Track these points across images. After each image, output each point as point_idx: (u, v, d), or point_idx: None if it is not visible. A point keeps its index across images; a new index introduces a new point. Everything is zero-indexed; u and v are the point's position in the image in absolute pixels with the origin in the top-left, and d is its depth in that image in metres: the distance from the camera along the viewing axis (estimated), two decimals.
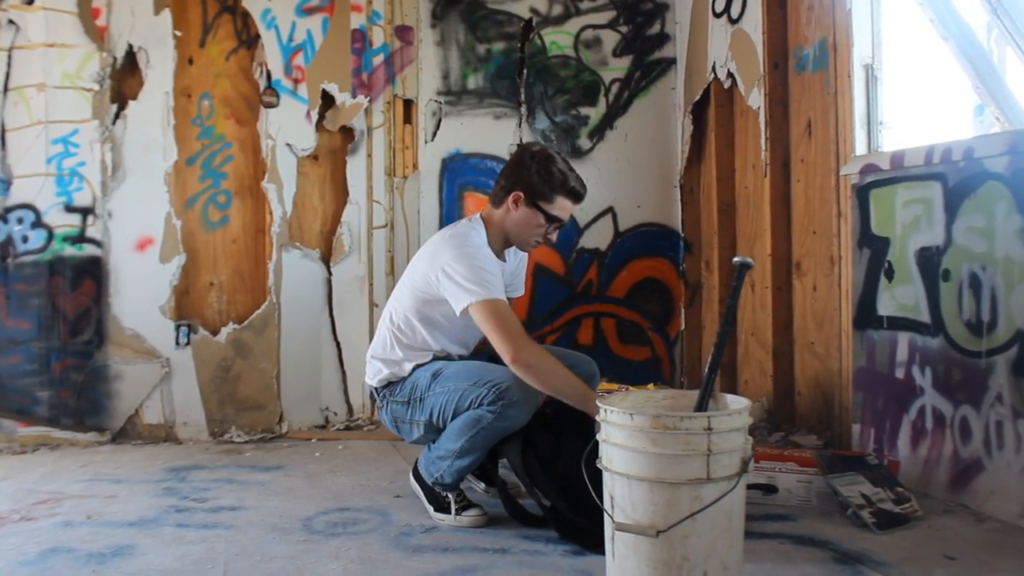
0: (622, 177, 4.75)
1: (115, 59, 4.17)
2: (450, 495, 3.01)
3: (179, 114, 4.25)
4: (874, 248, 3.48)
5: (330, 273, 4.43)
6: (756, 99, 4.20)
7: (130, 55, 4.20)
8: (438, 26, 4.57)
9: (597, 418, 2.32)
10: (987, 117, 3.71)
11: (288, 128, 4.35)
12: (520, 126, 4.64)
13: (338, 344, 4.43)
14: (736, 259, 2.56)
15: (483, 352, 3.13)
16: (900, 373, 3.36)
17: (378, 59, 4.47)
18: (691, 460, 2.15)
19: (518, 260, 3.25)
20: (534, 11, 4.65)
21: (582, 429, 2.64)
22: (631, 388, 3.63)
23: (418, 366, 3.06)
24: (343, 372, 4.44)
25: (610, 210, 4.73)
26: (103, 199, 4.15)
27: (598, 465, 2.31)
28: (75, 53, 4.10)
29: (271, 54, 4.33)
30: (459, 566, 2.58)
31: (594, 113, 4.74)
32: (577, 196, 3.04)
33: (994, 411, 2.95)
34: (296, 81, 4.36)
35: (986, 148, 3.02)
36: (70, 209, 4.12)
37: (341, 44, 4.41)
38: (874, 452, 3.40)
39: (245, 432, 4.26)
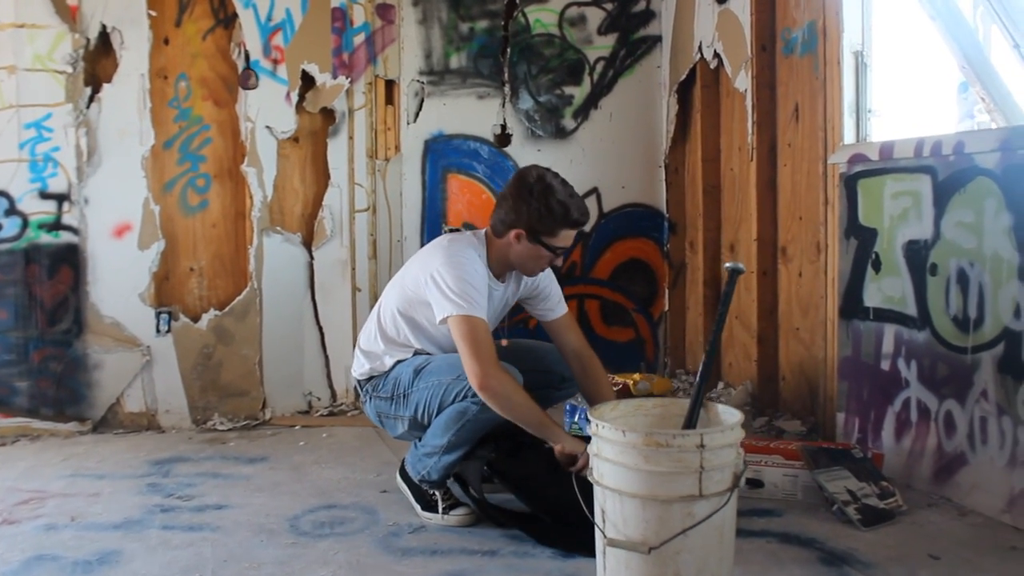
0: (607, 157, 4.71)
1: (88, 40, 4.04)
2: (437, 493, 3.01)
3: (155, 96, 4.15)
4: (861, 238, 3.47)
5: (312, 257, 4.37)
6: (743, 82, 4.16)
7: (103, 36, 4.07)
8: (420, 4, 4.47)
9: (589, 430, 2.31)
10: (971, 95, 3.70)
11: (267, 110, 4.26)
12: (504, 106, 4.57)
13: (320, 329, 4.39)
14: (728, 264, 2.54)
15: None
16: (886, 365, 3.37)
17: (359, 38, 4.37)
18: (683, 477, 2.14)
19: (534, 284, 3.15)
20: None
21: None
22: (616, 377, 3.65)
23: (399, 361, 3.04)
24: (326, 357, 4.40)
25: (594, 191, 4.69)
26: (79, 185, 4.05)
27: (588, 478, 2.31)
28: (46, 34, 3.97)
29: (249, 34, 4.22)
30: (448, 570, 2.58)
31: (578, 92, 4.68)
32: (579, 225, 2.96)
33: (979, 407, 2.97)
34: (275, 62, 4.26)
35: (977, 144, 3.00)
36: (45, 196, 4.02)
37: (321, 23, 4.30)
38: (858, 443, 3.42)
39: (228, 419, 4.22)
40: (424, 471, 3.00)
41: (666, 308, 4.86)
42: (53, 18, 3.98)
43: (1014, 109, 3.28)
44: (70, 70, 4.01)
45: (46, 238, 4.03)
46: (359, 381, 3.15)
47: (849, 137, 3.58)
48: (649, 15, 4.73)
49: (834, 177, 3.62)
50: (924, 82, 3.71)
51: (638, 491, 2.16)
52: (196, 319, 4.24)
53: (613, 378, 3.63)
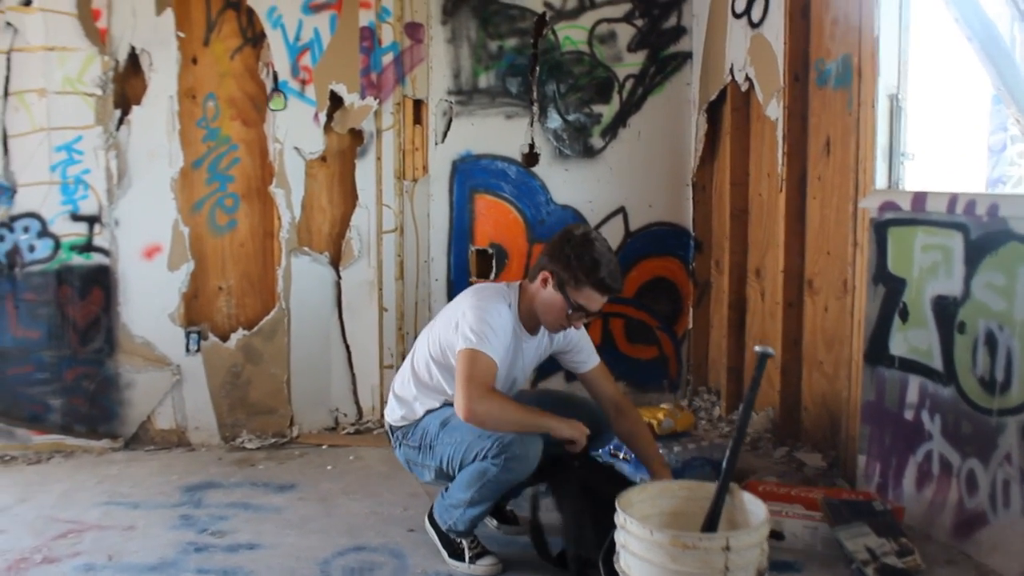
0: (634, 176, 4.69)
1: (117, 62, 4.04)
2: (464, 541, 3.08)
3: (184, 116, 4.16)
4: (889, 286, 3.46)
5: (339, 277, 4.41)
6: (775, 110, 4.12)
7: (133, 58, 4.07)
8: (449, 22, 4.42)
9: (616, 520, 2.36)
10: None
11: (295, 131, 4.26)
12: (532, 125, 4.55)
13: (348, 347, 4.45)
14: (757, 348, 2.56)
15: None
16: (909, 415, 3.38)
17: (387, 58, 4.34)
18: None
19: (567, 337, 3.17)
20: (548, 5, 4.50)
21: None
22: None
23: (429, 411, 3.11)
24: (353, 375, 4.47)
25: (621, 210, 4.69)
26: (109, 207, 4.09)
27: (616, 567, 2.37)
28: (76, 57, 3.98)
29: (277, 54, 4.21)
30: None
31: (607, 111, 4.64)
32: (606, 289, 2.93)
33: (1002, 470, 2.99)
34: (303, 82, 4.25)
35: (1012, 208, 2.98)
36: (76, 218, 4.07)
37: (349, 43, 4.28)
38: (879, 488, 3.46)
39: (256, 436, 4.30)
40: (451, 521, 3.07)
41: (690, 326, 4.87)
42: (83, 41, 3.98)
43: None
44: (100, 92, 4.02)
45: (78, 259, 4.09)
46: (391, 426, 3.22)
47: (881, 182, 3.55)
48: (680, 31, 4.67)
49: (864, 220, 3.60)
50: (959, 126, 3.66)
51: None
52: (225, 338, 4.30)
53: None
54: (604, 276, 2.90)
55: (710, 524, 2.41)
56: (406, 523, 3.41)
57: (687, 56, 4.70)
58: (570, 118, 4.60)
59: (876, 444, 3.54)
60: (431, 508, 3.21)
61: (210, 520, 3.43)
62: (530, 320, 3.05)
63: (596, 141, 4.64)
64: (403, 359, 4.33)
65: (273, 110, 4.23)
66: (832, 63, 3.83)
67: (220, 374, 4.29)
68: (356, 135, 4.37)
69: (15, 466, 4.00)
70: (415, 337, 4.35)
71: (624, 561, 2.31)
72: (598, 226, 4.66)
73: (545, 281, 2.93)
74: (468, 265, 4.58)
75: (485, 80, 4.49)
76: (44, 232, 4.03)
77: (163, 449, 4.23)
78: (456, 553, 3.07)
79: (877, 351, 3.52)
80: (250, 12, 4.18)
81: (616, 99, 4.64)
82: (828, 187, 3.90)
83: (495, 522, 3.38)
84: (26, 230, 4.01)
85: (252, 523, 3.41)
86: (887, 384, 3.48)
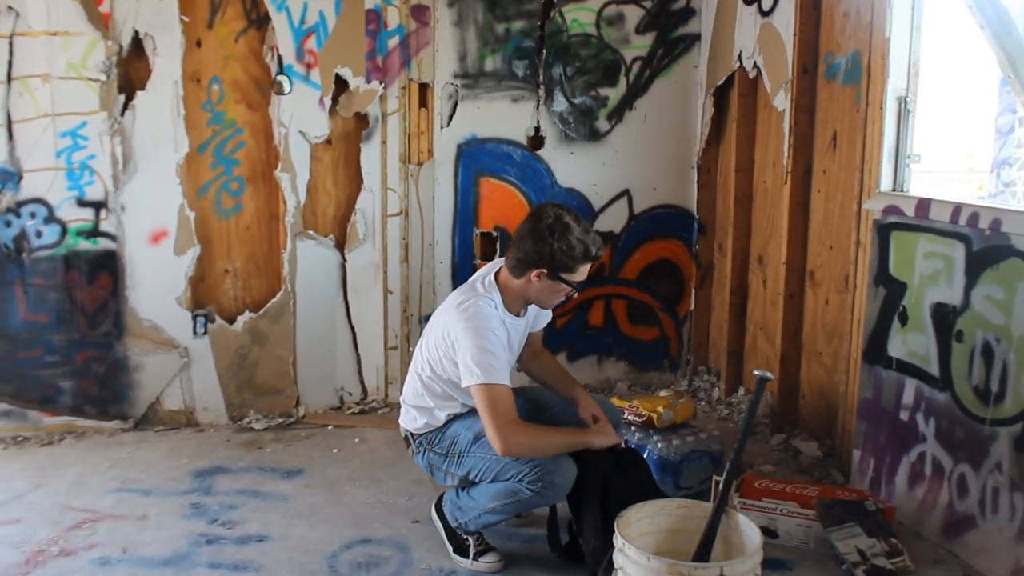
0: (639, 159, 4.68)
1: (121, 47, 4.00)
2: (470, 538, 3.17)
3: (189, 100, 4.13)
4: (890, 289, 3.50)
5: (344, 260, 4.43)
6: (782, 102, 4.10)
7: (136, 42, 4.02)
8: (455, 5, 4.37)
9: (615, 543, 2.44)
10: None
11: (301, 115, 4.24)
12: (538, 109, 4.52)
13: (353, 328, 4.49)
14: (756, 372, 2.62)
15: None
16: (904, 416, 3.45)
17: (393, 41, 4.29)
18: None
19: (543, 313, 3.30)
20: None
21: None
22: (640, 407, 3.74)
23: (454, 416, 3.17)
24: (358, 356, 4.53)
25: (626, 192, 4.69)
26: (115, 193, 4.09)
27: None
28: (79, 41, 3.94)
29: (282, 37, 4.16)
30: None
31: (613, 93, 4.62)
32: (597, 260, 3.05)
33: (992, 477, 3.07)
34: (308, 66, 4.21)
35: (1015, 224, 2.99)
36: (82, 203, 4.07)
37: (355, 26, 4.23)
38: (872, 483, 3.55)
39: (263, 416, 4.38)
40: (463, 520, 3.17)
41: (692, 307, 4.92)
42: (86, 25, 3.94)
43: None
44: (104, 78, 3.99)
45: (85, 245, 4.11)
46: (411, 433, 3.27)
47: (886, 184, 3.55)
48: (689, 13, 4.61)
49: (867, 221, 3.61)
50: (967, 126, 3.65)
51: None
52: (231, 321, 4.34)
53: (637, 408, 3.73)
54: (592, 251, 2.99)
55: (704, 551, 2.49)
56: (410, 513, 3.52)
57: (695, 38, 4.65)
58: (576, 101, 4.57)
59: (871, 440, 3.62)
60: (439, 499, 3.31)
61: (220, 509, 3.53)
62: (514, 306, 3.11)
63: (602, 124, 4.62)
64: (407, 341, 4.47)
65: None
66: (842, 57, 3.80)
67: (227, 356, 4.35)
68: (361, 118, 4.35)
69: (28, 448, 4.09)
70: (420, 320, 4.46)
71: None
72: (603, 208, 4.69)
73: (539, 276, 2.98)
74: (473, 248, 4.59)
75: (491, 63, 4.45)
76: (51, 218, 4.04)
77: (172, 429, 4.31)
78: (461, 548, 3.17)
79: (875, 351, 3.57)
80: None
81: (623, 82, 4.61)
82: (833, 182, 3.90)
83: None
84: (33, 216, 4.03)
85: (261, 512, 3.52)
86: (884, 384, 3.54)
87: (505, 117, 4.50)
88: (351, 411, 4.52)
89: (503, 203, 4.57)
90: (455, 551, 3.18)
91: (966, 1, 3.36)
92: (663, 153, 4.73)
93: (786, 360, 4.21)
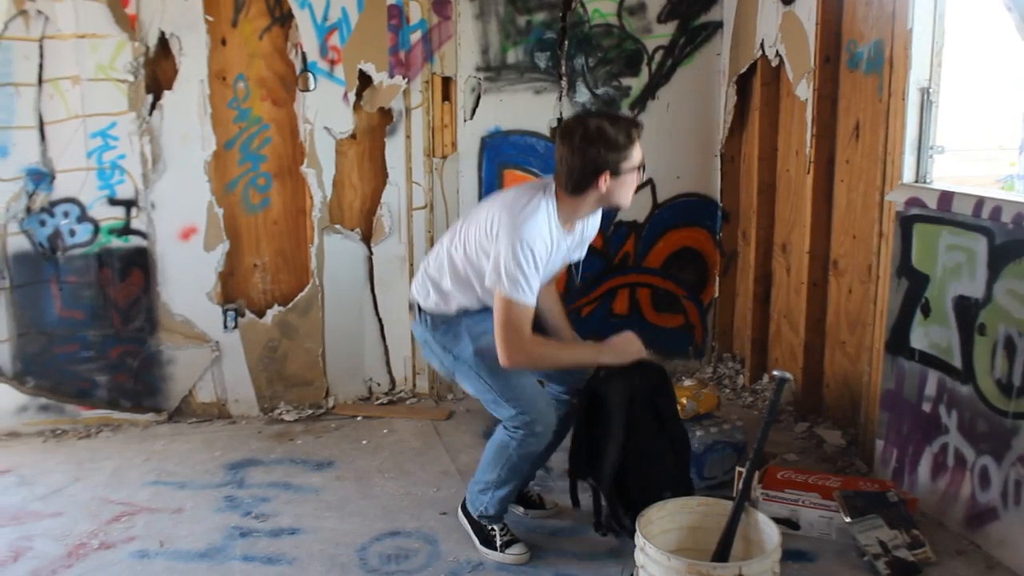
0: (662, 148, 4.67)
1: (148, 48, 4.05)
2: (495, 528, 3.24)
3: (215, 98, 4.18)
4: (913, 280, 3.50)
5: (371, 252, 4.49)
6: (804, 91, 4.09)
7: (163, 42, 4.07)
8: None
9: (636, 542, 2.49)
10: None
11: (325, 111, 4.28)
12: (560, 100, 4.53)
13: (380, 320, 4.56)
14: (775, 372, 2.65)
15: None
16: (927, 407, 3.46)
17: (416, 36, 4.32)
18: None
19: (590, 227, 3.23)
20: None
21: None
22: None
23: (464, 311, 3.15)
24: (385, 347, 4.59)
25: (649, 182, 4.69)
26: (145, 191, 4.17)
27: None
28: (107, 43, 4.00)
29: (306, 34, 4.19)
30: None
31: (636, 83, 4.61)
32: (639, 135, 2.99)
33: (1015, 470, 3.08)
34: (332, 62, 4.24)
35: None
36: (113, 202, 4.15)
37: (377, 21, 4.25)
38: (895, 473, 3.58)
39: (294, 408, 4.47)
40: (481, 507, 3.25)
41: (716, 295, 4.93)
42: (113, 28, 3.99)
43: None
44: (132, 78, 4.05)
45: (117, 242, 4.19)
46: (419, 305, 3.24)
47: (909, 175, 3.54)
48: (710, 0, 4.59)
49: (890, 212, 3.61)
50: (990, 117, 3.63)
51: None
52: (261, 314, 4.42)
53: None
54: (632, 133, 2.95)
55: (724, 549, 2.54)
56: (439, 505, 3.59)
57: (718, 25, 4.63)
58: (599, 92, 4.58)
59: (894, 431, 3.64)
60: (463, 500, 3.38)
61: (253, 502, 3.63)
62: (569, 221, 3.05)
63: (625, 114, 4.61)
64: None
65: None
66: (864, 47, 3.78)
67: (257, 349, 4.43)
68: (385, 113, 4.38)
69: (67, 440, 4.20)
70: None
71: None
72: None
73: (605, 180, 2.93)
74: None
75: (513, 55, 4.46)
76: (83, 216, 4.13)
77: (205, 421, 4.41)
78: (487, 540, 3.24)
79: (898, 342, 3.58)
80: None
81: (645, 71, 4.60)
82: (856, 171, 3.90)
83: (521, 509, 3.54)
84: (66, 215, 4.11)
85: (293, 505, 3.60)
86: (907, 375, 3.55)
87: (528, 109, 4.51)
88: (379, 401, 4.60)
89: None
90: (482, 543, 3.25)
91: None
92: (686, 142, 4.73)
93: (810, 348, 4.23)
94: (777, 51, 4.26)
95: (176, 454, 4.07)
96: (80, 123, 4.05)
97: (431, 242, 4.50)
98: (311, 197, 4.36)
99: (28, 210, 4.09)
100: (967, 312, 3.25)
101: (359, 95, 4.34)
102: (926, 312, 3.44)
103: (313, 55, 4.23)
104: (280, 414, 4.45)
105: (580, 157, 2.91)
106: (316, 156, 4.32)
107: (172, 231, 4.25)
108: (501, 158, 4.55)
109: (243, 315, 4.40)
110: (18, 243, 4.12)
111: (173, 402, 4.39)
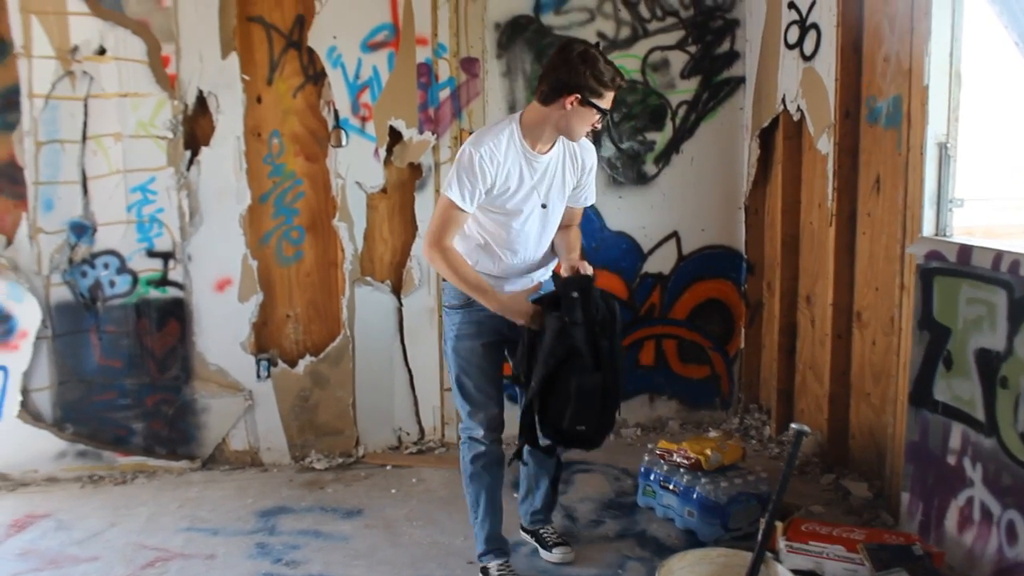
0: (686, 201, 4.76)
1: (186, 106, 4.23)
2: (490, 566, 3.39)
3: (250, 154, 4.34)
4: (934, 333, 3.52)
5: (400, 304, 4.59)
6: (825, 145, 4.15)
7: (200, 100, 4.25)
8: (504, 56, 4.51)
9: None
10: None
11: (357, 166, 4.43)
12: None
13: (410, 371, 4.64)
14: (793, 425, 2.68)
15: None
16: (952, 459, 3.46)
17: (444, 93, 4.46)
18: None
19: (586, 171, 3.34)
20: (601, 35, 4.56)
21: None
22: (688, 450, 3.81)
23: (448, 307, 3.32)
24: (415, 397, 4.67)
25: (674, 234, 4.78)
26: (182, 244, 4.32)
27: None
28: (148, 102, 4.18)
29: (338, 92, 4.35)
30: None
31: (660, 137, 4.71)
32: (618, 88, 3.13)
33: None
34: (363, 119, 4.39)
35: None
36: (152, 254, 4.31)
37: (407, 79, 4.40)
38: (921, 527, 3.56)
39: (324, 456, 4.55)
40: (479, 550, 3.43)
41: (742, 346, 4.97)
42: (154, 87, 4.18)
43: None
44: (171, 135, 4.22)
45: (154, 293, 4.34)
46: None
47: (928, 228, 3.58)
48: (733, 56, 4.70)
49: (911, 264, 3.65)
50: (1010, 169, 3.67)
51: None
52: (293, 364, 4.53)
53: (686, 451, 3.81)
54: (617, 79, 3.09)
55: None
56: (465, 554, 3.62)
57: (740, 81, 4.74)
58: (624, 146, 4.68)
59: (919, 484, 3.64)
60: None
61: (284, 549, 3.69)
62: (537, 140, 3.15)
63: (649, 168, 4.72)
64: None
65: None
66: (883, 102, 3.85)
67: (289, 398, 4.53)
68: (415, 168, 4.51)
69: (103, 486, 4.31)
70: None
71: None
72: (652, 250, 4.78)
73: (573, 102, 3.04)
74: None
75: None
76: (123, 268, 4.28)
77: (238, 469, 4.50)
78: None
79: (921, 394, 3.59)
80: (311, 51, 4.32)
81: (669, 126, 4.71)
82: (877, 224, 3.94)
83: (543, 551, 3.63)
84: (106, 266, 4.27)
85: (322, 552, 3.66)
86: (930, 427, 3.56)
87: None
88: (408, 451, 4.66)
89: None
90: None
91: (1002, 21, 3.36)
92: (710, 194, 4.81)
93: (835, 400, 4.25)
94: (798, 106, 4.33)
95: (209, 501, 4.15)
96: (121, 178, 4.22)
97: None
98: (343, 250, 4.48)
99: (70, 261, 4.25)
100: (989, 365, 3.26)
101: (389, 151, 4.47)
102: (948, 365, 3.46)
103: (345, 112, 4.38)
104: (311, 462, 4.53)
105: (566, 69, 3.05)
106: (348, 210, 4.45)
107: (208, 282, 4.38)
108: None
109: (276, 365, 4.50)
110: (60, 293, 4.27)
111: (207, 450, 4.49)
